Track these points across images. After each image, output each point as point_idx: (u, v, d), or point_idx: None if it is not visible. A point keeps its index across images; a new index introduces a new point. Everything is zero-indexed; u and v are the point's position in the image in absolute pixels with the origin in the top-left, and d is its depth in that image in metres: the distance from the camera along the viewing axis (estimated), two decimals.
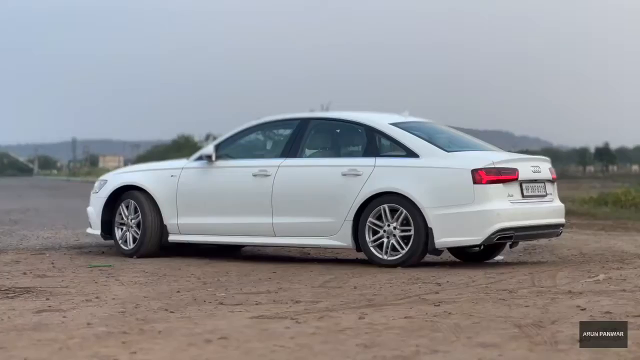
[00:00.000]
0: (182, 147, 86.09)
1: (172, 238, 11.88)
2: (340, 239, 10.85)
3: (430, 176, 10.57)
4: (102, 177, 12.86)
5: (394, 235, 10.55)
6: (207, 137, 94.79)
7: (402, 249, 10.51)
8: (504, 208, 10.46)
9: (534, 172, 11.01)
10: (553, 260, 11.60)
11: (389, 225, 10.56)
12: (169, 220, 11.84)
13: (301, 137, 11.47)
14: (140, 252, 11.82)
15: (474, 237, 10.43)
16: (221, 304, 7.74)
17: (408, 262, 10.46)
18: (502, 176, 10.53)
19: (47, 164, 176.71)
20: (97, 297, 8.08)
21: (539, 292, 8.39)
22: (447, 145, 11.16)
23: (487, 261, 11.68)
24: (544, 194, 11.16)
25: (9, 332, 6.37)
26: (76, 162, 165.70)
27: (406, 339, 6.18)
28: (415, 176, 10.61)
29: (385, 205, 10.58)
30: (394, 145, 11.05)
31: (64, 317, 7.03)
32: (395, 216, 10.55)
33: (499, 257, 11.99)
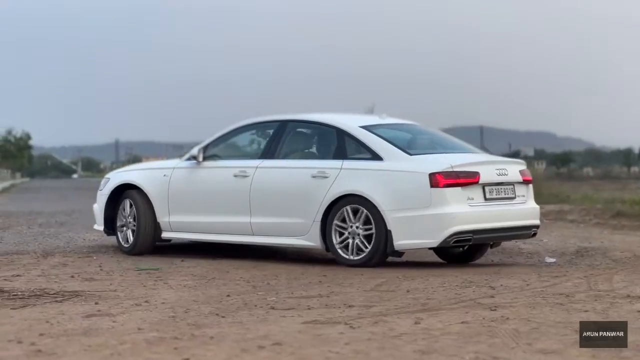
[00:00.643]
0: None
1: (164, 235, 12.37)
2: (310, 239, 11.08)
3: (391, 179, 10.71)
4: (107, 175, 13.46)
5: (358, 236, 10.75)
6: None
7: (365, 249, 10.70)
8: (461, 211, 10.49)
9: (499, 174, 10.98)
10: (607, 263, 11.39)
11: (357, 227, 10.75)
12: (161, 217, 12.30)
13: (279, 138, 11.77)
14: (136, 249, 12.31)
15: (431, 240, 10.52)
16: (272, 308, 7.60)
17: (370, 263, 10.64)
18: (460, 179, 10.56)
19: (90, 165, 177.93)
20: (146, 301, 7.96)
21: (597, 297, 8.19)
22: (415, 147, 11.31)
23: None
24: (513, 196, 11.14)
25: (59, 337, 6.26)
26: (119, 163, 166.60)
27: (464, 345, 6.03)
28: (377, 179, 10.76)
29: (349, 207, 10.79)
30: (361, 147, 11.17)
31: (114, 321, 6.91)
32: (358, 217, 10.74)
33: (550, 260, 11.82)
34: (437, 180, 10.42)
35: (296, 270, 10.45)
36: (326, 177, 11.00)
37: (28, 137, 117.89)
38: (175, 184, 12.23)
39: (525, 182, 11.33)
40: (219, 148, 12.24)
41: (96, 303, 7.86)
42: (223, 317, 7.14)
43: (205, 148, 12.13)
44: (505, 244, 13.77)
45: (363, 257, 10.68)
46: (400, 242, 10.53)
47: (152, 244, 12.40)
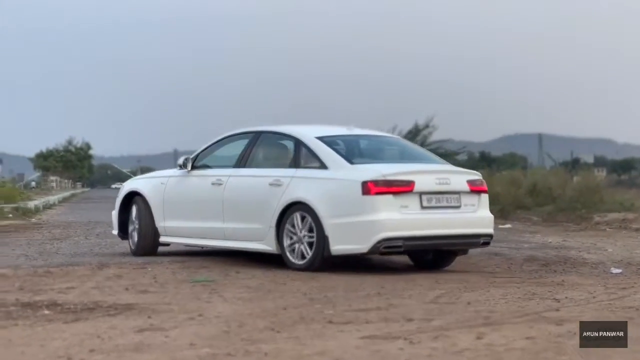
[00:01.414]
0: None
1: (161, 239, 13.34)
2: (268, 244, 11.67)
3: (331, 187, 11.20)
4: (124, 183, 14.61)
5: (303, 242, 11.23)
6: None
7: (308, 254, 11.17)
8: (391, 218, 10.78)
9: (439, 184, 11.15)
10: None
11: (301, 233, 11.22)
12: (158, 222, 13.27)
13: (252, 148, 12.48)
14: (139, 252, 13.36)
15: (361, 246, 10.87)
16: (330, 322, 7.36)
17: (312, 267, 11.07)
18: (392, 188, 10.85)
19: None
20: (200, 315, 7.76)
21: None
22: (366, 157, 11.85)
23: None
24: (457, 205, 11.27)
25: (109, 354, 6.09)
26: None
27: None
28: (320, 187, 11.26)
29: (297, 214, 11.30)
30: (312, 157, 11.68)
31: (166, 336, 6.73)
32: (304, 224, 11.22)
33: (616, 270, 11.51)
34: (369, 188, 10.79)
35: (354, 281, 10.21)
36: (280, 185, 11.58)
37: (88, 147, 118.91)
38: (169, 191, 13.17)
39: (475, 191, 11.40)
40: (207, 158, 13.06)
41: (149, 317, 7.67)
42: (278, 332, 6.93)
43: (195, 158, 13.00)
44: (568, 254, 13.46)
45: (306, 262, 11.14)
46: (335, 247, 10.92)
47: (154, 247, 13.39)
